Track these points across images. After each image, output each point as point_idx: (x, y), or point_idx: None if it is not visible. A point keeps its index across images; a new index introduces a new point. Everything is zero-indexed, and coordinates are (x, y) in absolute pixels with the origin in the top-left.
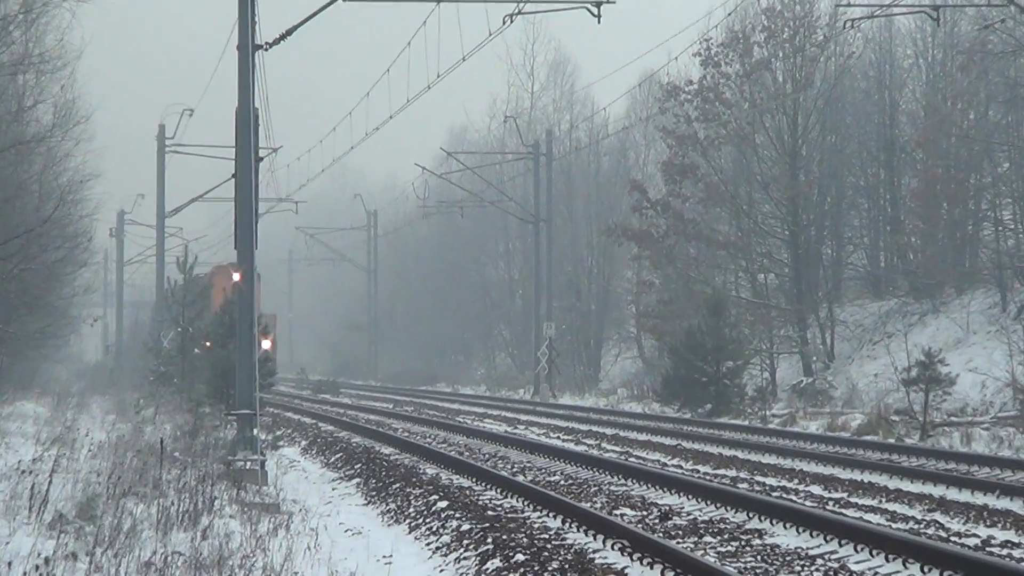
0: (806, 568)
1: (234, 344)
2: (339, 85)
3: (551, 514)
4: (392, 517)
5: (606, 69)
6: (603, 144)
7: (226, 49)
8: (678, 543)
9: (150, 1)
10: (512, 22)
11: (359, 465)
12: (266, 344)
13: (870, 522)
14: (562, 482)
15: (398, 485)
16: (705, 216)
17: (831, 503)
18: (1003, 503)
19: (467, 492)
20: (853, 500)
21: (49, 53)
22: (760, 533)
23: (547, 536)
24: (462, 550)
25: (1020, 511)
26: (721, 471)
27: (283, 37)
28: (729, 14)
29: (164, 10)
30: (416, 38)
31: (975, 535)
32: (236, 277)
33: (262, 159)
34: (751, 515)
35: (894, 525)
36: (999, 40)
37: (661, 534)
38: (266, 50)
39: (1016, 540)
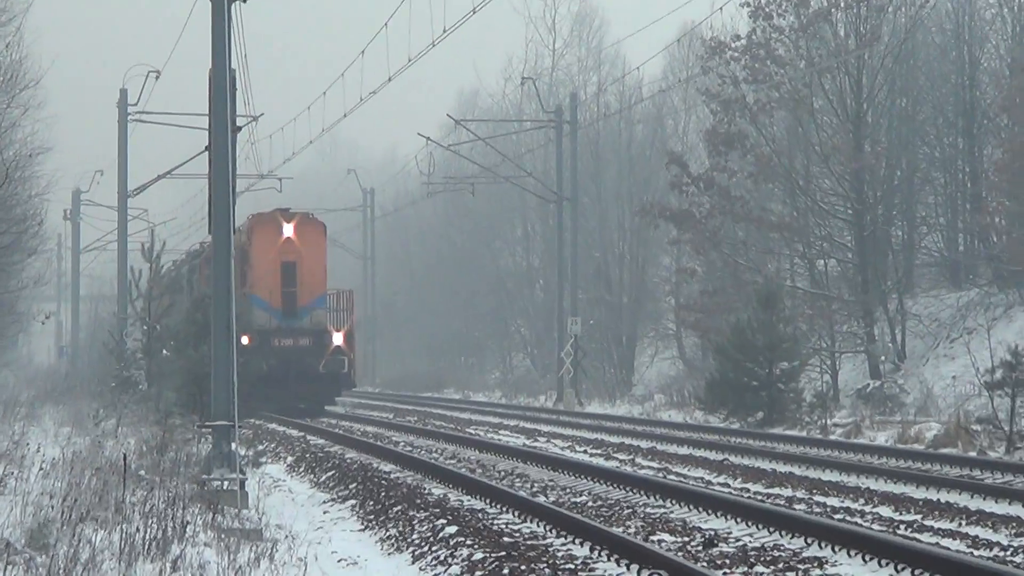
0: None
1: (208, 344)
2: (329, 43)
3: (577, 540)
4: (393, 545)
5: (639, 22)
6: (636, 110)
7: (197, 0)
8: (725, 574)
9: None
10: None
11: (354, 484)
12: (338, 339)
13: (948, 548)
14: (590, 503)
15: (399, 507)
16: (755, 193)
17: (902, 527)
18: None
19: (479, 515)
20: (928, 523)
21: None
22: (820, 562)
23: (573, 566)
24: None
25: None
26: (775, 490)
27: None
28: None
29: None
30: None
31: None
32: (288, 231)
33: (240, 129)
34: (810, 541)
35: (976, 552)
36: None
37: (705, 563)
38: (244, 1)
39: None
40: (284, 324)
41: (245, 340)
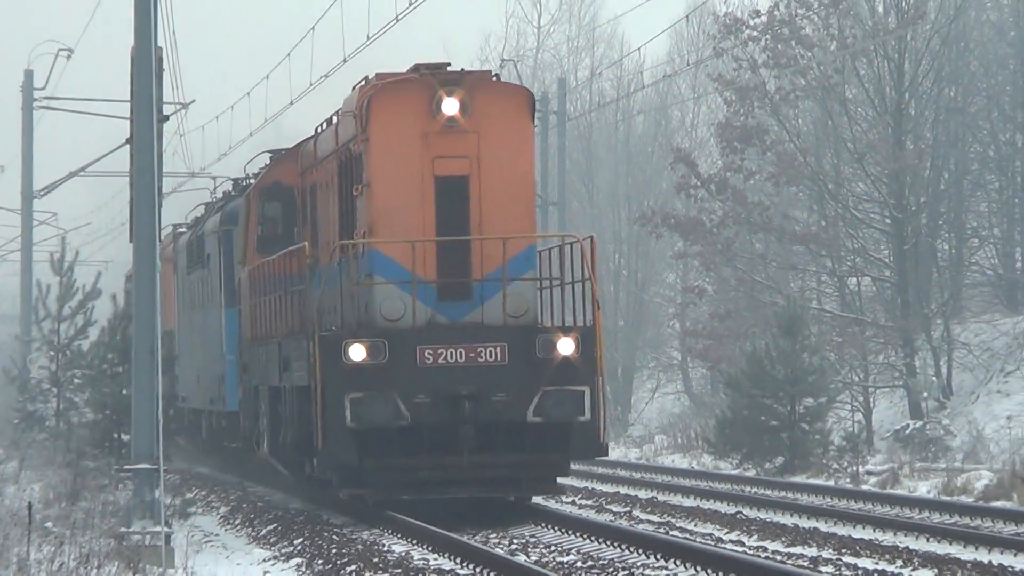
0: None
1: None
2: (273, 18)
3: None
4: None
5: None
6: (636, 99)
7: None
8: None
9: None
10: None
11: (300, 540)
12: (566, 346)
13: None
14: (579, 564)
15: (354, 568)
16: (776, 198)
17: None
18: None
19: None
20: None
21: None
22: None
23: None
24: None
25: None
26: (797, 549)
27: None
28: None
29: None
30: None
31: None
32: (451, 107)
33: (167, 118)
34: None
35: None
36: None
37: None
38: None
39: None
40: (445, 316)
41: (359, 353)
